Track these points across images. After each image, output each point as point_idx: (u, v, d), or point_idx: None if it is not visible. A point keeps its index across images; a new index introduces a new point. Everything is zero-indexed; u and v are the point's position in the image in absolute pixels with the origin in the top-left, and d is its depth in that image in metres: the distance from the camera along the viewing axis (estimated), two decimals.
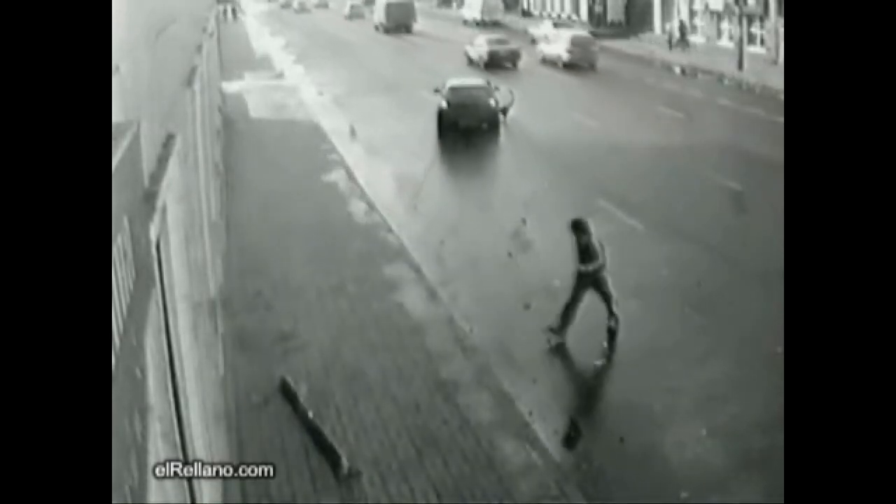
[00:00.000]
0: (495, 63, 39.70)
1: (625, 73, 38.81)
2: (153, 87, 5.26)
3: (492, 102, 26.49)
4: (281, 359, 11.29)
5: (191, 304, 5.81)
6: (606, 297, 12.23)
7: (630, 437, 9.62)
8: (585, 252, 12.14)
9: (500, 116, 26.86)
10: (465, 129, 25.57)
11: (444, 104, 26.07)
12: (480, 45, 41.10)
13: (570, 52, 39.60)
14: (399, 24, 54.21)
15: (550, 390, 10.74)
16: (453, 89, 26.68)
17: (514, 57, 40.71)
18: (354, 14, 62.15)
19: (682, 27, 46.00)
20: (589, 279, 12.10)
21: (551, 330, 12.01)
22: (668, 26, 47.77)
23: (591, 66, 39.25)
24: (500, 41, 41.99)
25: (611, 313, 12.23)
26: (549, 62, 40.99)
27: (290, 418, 9.79)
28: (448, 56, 43.74)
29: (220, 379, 9.12)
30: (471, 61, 41.37)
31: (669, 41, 46.17)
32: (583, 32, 44.65)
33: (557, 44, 41.17)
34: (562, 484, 8.64)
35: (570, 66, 39.08)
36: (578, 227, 12.42)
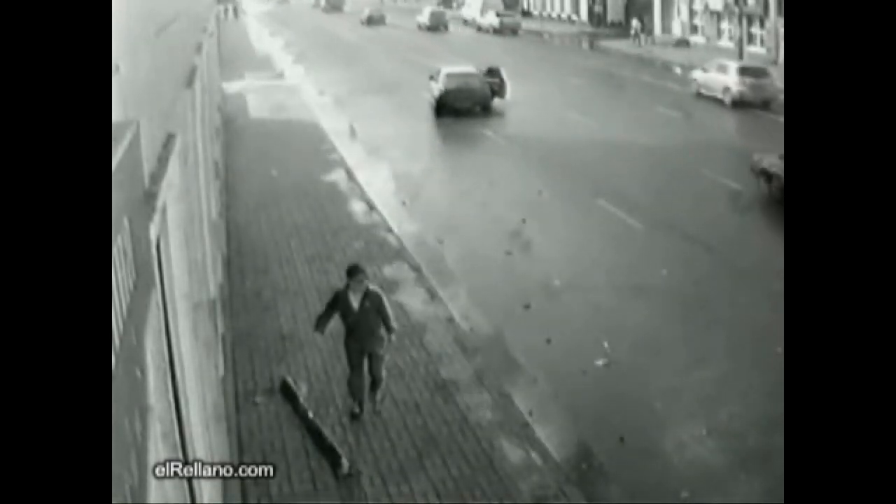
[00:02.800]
0: (372, 22, 68.23)
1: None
2: (153, 87, 5.26)
3: (484, 87, 28.92)
4: (281, 358, 11.28)
5: (191, 304, 5.80)
6: (373, 381, 9.81)
7: (630, 437, 9.62)
8: (350, 316, 9.57)
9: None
10: (460, 111, 28.25)
11: (441, 89, 28.66)
12: (364, 12, 70.36)
13: (429, 19, 64.13)
14: (334, 6, 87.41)
15: (550, 390, 10.73)
16: (449, 76, 29.26)
17: (383, 19, 69.57)
18: (317, 4, 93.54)
19: (646, 23, 50.82)
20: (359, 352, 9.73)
21: (362, 403, 9.79)
22: (634, 22, 51.27)
23: (445, 28, 63.23)
24: (377, 10, 71.60)
25: (372, 399, 9.83)
26: (421, 27, 64.05)
27: (290, 418, 9.79)
28: (352, 20, 71.39)
29: (220, 379, 9.12)
30: (361, 21, 68.95)
31: (633, 36, 49.82)
32: (438, 8, 69.75)
33: (423, 15, 65.46)
34: (562, 484, 8.65)
35: (430, 28, 62.80)
36: (353, 274, 9.61)
